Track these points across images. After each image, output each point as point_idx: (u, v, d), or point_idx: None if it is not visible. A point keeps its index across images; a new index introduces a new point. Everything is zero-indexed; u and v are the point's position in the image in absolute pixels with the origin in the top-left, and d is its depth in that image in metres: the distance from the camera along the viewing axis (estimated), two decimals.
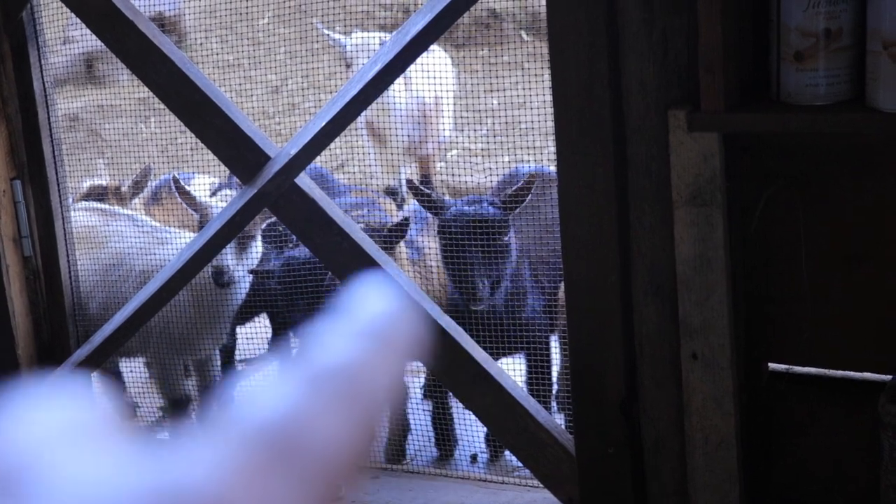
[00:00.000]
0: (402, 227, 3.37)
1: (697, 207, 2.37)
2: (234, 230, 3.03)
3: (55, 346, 3.46)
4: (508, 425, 2.83)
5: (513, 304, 3.36)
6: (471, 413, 2.96)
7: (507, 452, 3.43)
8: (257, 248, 3.61)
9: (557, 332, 3.46)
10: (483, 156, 6.13)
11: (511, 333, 3.29)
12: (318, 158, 3.06)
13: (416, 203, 3.44)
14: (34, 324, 3.45)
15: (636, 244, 2.50)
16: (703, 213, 2.37)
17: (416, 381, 3.85)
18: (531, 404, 2.83)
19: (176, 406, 3.75)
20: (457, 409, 3.54)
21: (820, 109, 2.26)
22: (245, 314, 3.85)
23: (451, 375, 2.87)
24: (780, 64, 2.29)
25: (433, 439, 3.60)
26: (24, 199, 3.36)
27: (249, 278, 3.63)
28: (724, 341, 2.43)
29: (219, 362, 3.85)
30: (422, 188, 3.35)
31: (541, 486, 2.91)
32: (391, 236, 3.37)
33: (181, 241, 3.58)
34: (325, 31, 5.16)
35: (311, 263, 3.40)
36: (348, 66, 5.24)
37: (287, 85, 6.66)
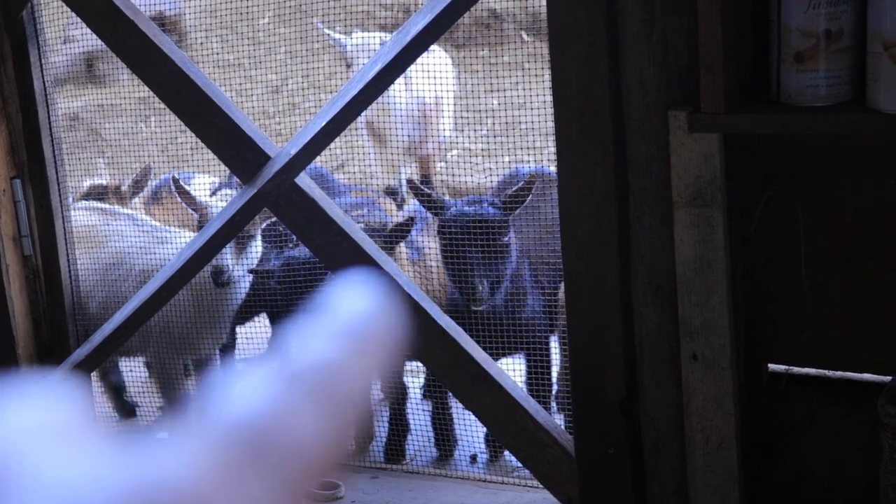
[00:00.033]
0: (408, 224, 3.38)
1: (698, 208, 2.37)
2: (234, 230, 3.03)
3: (55, 346, 3.46)
4: (508, 425, 2.83)
5: (513, 304, 3.36)
6: (470, 413, 2.96)
7: (506, 453, 3.43)
8: (257, 247, 3.61)
9: (557, 333, 3.46)
10: (483, 156, 6.13)
11: (511, 334, 3.29)
12: (318, 158, 3.06)
13: (417, 203, 3.44)
14: (34, 323, 3.45)
15: (636, 244, 2.50)
16: (703, 214, 2.37)
17: (416, 381, 3.85)
18: (531, 404, 2.83)
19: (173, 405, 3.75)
20: (456, 409, 3.54)
21: (820, 110, 2.26)
22: (245, 314, 3.85)
23: (451, 375, 2.87)
24: (781, 65, 2.29)
25: (433, 439, 3.60)
26: (24, 199, 3.36)
27: (249, 278, 3.63)
28: (725, 342, 2.43)
29: (219, 362, 3.85)
30: (422, 188, 3.35)
31: (540, 486, 2.91)
32: (397, 233, 3.37)
33: (181, 241, 3.58)
34: (326, 31, 5.16)
35: (311, 263, 3.40)
36: (349, 66, 5.24)
37: (287, 85, 6.66)
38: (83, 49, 6.23)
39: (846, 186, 2.44)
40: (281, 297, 3.52)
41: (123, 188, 4.06)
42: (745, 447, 2.55)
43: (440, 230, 3.28)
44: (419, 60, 2.80)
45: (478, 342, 2.96)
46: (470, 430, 3.55)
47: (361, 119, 5.07)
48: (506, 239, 3.25)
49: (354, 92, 2.76)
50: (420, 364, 3.55)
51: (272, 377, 0.49)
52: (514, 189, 3.27)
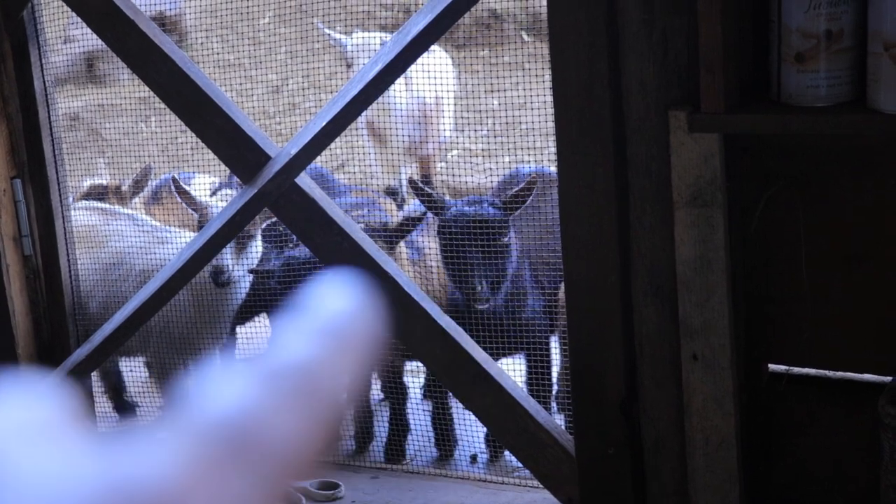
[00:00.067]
0: (419, 218, 3.37)
1: (698, 208, 2.37)
2: (234, 230, 3.03)
3: (55, 346, 3.46)
4: (508, 425, 2.83)
5: (513, 304, 3.36)
6: (471, 413, 2.96)
7: (506, 453, 3.43)
8: (257, 247, 3.61)
9: (557, 333, 3.46)
10: (483, 156, 6.13)
11: (511, 334, 3.29)
12: (318, 158, 3.06)
13: (417, 202, 3.44)
14: (34, 323, 3.45)
15: (636, 244, 2.50)
16: (703, 214, 2.37)
17: (416, 381, 3.85)
18: (531, 405, 2.83)
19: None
20: (457, 409, 3.54)
21: (821, 111, 2.26)
22: (245, 314, 3.84)
23: (451, 375, 2.87)
24: (781, 65, 2.29)
25: (433, 439, 3.59)
26: (24, 198, 3.36)
27: (249, 278, 3.63)
28: (725, 342, 2.43)
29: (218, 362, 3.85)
30: (423, 187, 3.35)
31: (540, 486, 2.91)
32: (406, 226, 3.37)
33: (181, 241, 3.58)
34: (326, 31, 5.16)
35: (311, 263, 3.40)
36: (349, 66, 5.24)
37: (288, 85, 6.66)
38: (83, 49, 6.23)
39: (846, 187, 2.44)
40: (281, 297, 3.52)
41: (123, 188, 4.06)
42: (746, 447, 2.55)
43: (440, 230, 3.28)
44: (419, 60, 2.81)
45: (478, 342, 2.96)
46: (470, 430, 3.55)
47: (362, 119, 5.07)
48: (506, 239, 3.25)
49: (355, 92, 2.76)
50: (420, 364, 3.55)
51: (251, 375, 0.49)
52: (515, 190, 3.27)
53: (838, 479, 2.60)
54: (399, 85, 4.48)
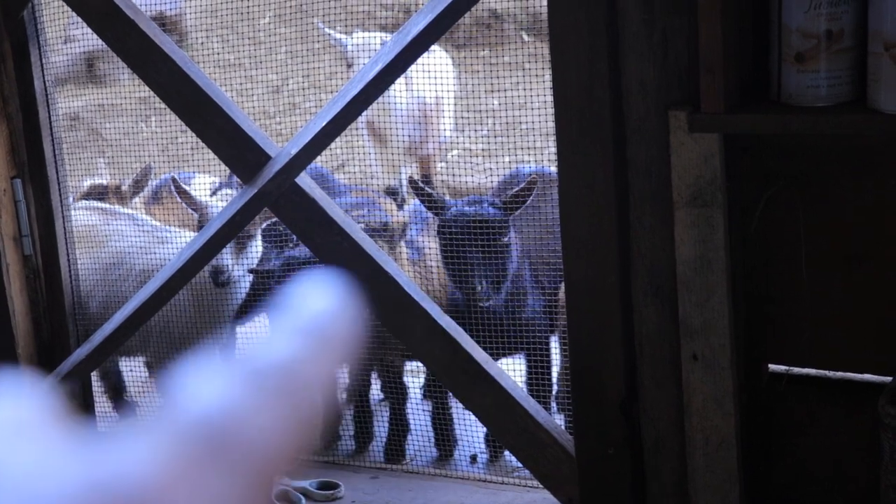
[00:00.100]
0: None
1: (698, 208, 2.37)
2: (234, 230, 3.03)
3: (55, 345, 3.46)
4: (508, 426, 2.83)
5: (513, 304, 3.36)
6: (470, 413, 2.96)
7: (506, 453, 3.43)
8: (256, 247, 3.61)
9: (557, 333, 3.46)
10: (484, 156, 6.13)
11: (511, 334, 3.29)
12: (318, 158, 3.06)
13: (417, 203, 3.44)
14: (34, 323, 3.45)
15: (636, 245, 2.50)
16: (703, 214, 2.37)
17: (416, 381, 3.85)
18: (531, 405, 2.83)
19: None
20: (456, 409, 3.54)
21: (821, 111, 2.26)
22: (245, 314, 3.84)
23: (451, 375, 2.87)
24: (782, 65, 2.29)
25: (433, 439, 3.60)
26: (24, 198, 3.36)
27: (249, 278, 3.63)
28: (725, 342, 2.43)
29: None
30: (424, 187, 3.36)
31: (540, 486, 2.91)
32: (393, 234, 3.37)
33: (181, 241, 3.58)
34: (327, 31, 5.16)
35: (311, 263, 3.40)
36: (349, 65, 5.24)
37: (288, 85, 6.66)
38: (84, 49, 6.23)
39: (847, 187, 2.44)
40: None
41: (124, 188, 4.06)
42: (745, 447, 2.55)
43: (440, 230, 3.28)
44: (420, 60, 2.80)
45: (478, 342, 2.96)
46: (470, 430, 3.55)
47: (362, 119, 5.07)
48: (506, 239, 3.25)
49: (355, 92, 2.76)
50: (420, 364, 3.55)
51: (230, 373, 0.49)
52: (515, 190, 3.27)
53: (838, 479, 2.60)
54: (399, 85, 4.48)
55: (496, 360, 3.08)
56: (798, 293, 2.50)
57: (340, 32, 5.36)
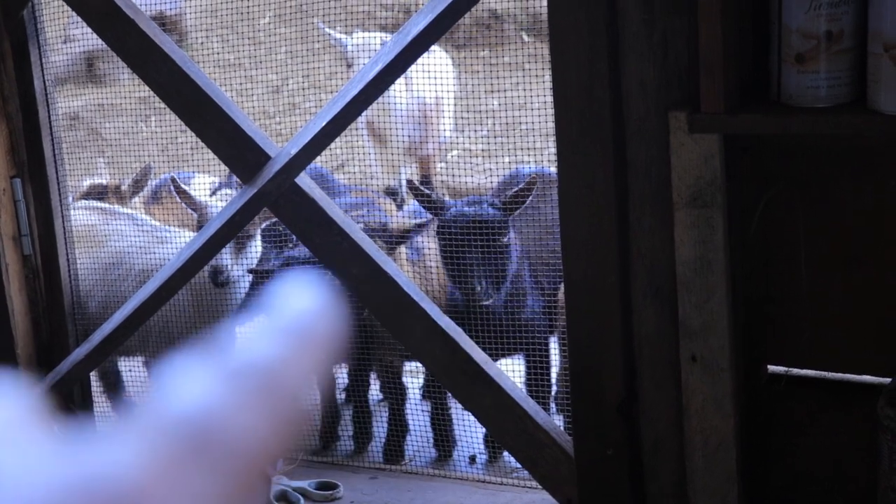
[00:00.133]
0: (418, 229, 3.38)
1: (698, 209, 2.37)
2: (233, 230, 3.03)
3: (54, 345, 3.46)
4: (507, 426, 2.83)
5: (512, 305, 3.36)
6: (469, 414, 2.96)
7: (505, 453, 3.43)
8: (256, 247, 3.61)
9: (557, 334, 3.46)
10: (483, 156, 6.13)
11: (510, 334, 3.29)
12: (318, 158, 3.06)
13: (416, 203, 3.44)
14: (33, 322, 3.45)
15: (636, 245, 2.50)
16: (703, 215, 2.37)
17: (416, 382, 3.85)
18: (530, 405, 2.83)
19: None
20: (456, 409, 3.54)
21: (821, 111, 2.26)
22: (244, 314, 3.84)
23: (451, 376, 2.87)
24: (781, 65, 2.29)
25: (432, 440, 3.59)
26: (23, 198, 3.36)
27: (248, 278, 3.62)
28: (724, 343, 2.43)
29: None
30: (422, 188, 3.35)
31: (539, 487, 2.91)
32: (401, 237, 3.38)
33: (181, 241, 3.58)
34: (327, 31, 5.16)
35: (310, 263, 3.40)
36: (349, 66, 5.24)
37: (288, 85, 6.66)
38: (83, 48, 6.23)
39: (846, 188, 2.44)
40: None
41: (123, 188, 4.06)
42: (745, 448, 2.55)
43: (440, 231, 3.28)
44: (420, 61, 2.80)
45: (477, 343, 2.96)
46: (469, 430, 3.55)
47: (362, 119, 5.07)
48: (505, 240, 3.25)
49: (355, 92, 2.76)
50: (419, 364, 3.55)
51: (213, 372, 0.49)
52: (514, 190, 3.26)
53: (838, 480, 2.60)
54: (399, 85, 4.48)
55: (495, 360, 3.08)
56: (798, 294, 2.50)
57: (340, 32, 5.36)
